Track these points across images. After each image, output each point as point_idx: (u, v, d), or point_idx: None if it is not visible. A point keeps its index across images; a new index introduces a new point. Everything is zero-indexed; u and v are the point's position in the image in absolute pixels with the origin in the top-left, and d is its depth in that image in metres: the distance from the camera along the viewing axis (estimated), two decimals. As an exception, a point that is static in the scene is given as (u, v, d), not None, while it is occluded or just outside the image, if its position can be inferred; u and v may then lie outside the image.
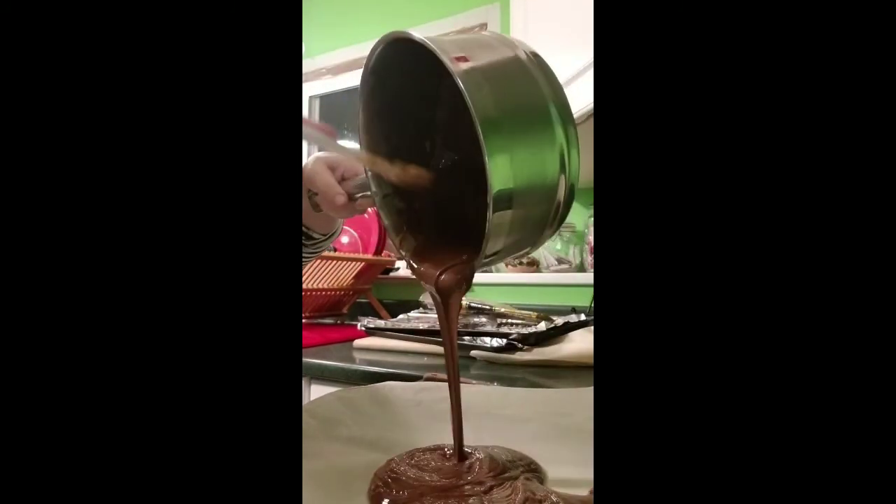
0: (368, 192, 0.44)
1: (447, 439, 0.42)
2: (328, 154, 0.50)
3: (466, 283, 0.37)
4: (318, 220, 0.53)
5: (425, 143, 0.44)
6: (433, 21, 1.65)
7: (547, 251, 1.30)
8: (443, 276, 0.37)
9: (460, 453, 0.39)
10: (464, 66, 0.29)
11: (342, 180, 0.49)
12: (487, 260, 0.34)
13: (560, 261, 1.33)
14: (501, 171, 0.29)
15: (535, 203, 0.32)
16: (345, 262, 1.24)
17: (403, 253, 0.42)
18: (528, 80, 0.32)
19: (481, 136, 0.28)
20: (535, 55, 0.33)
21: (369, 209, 0.50)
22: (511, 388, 0.55)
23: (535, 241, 0.36)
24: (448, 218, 0.43)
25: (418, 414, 0.49)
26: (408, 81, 0.39)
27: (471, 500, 0.33)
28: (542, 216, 0.33)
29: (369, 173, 0.43)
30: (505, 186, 0.29)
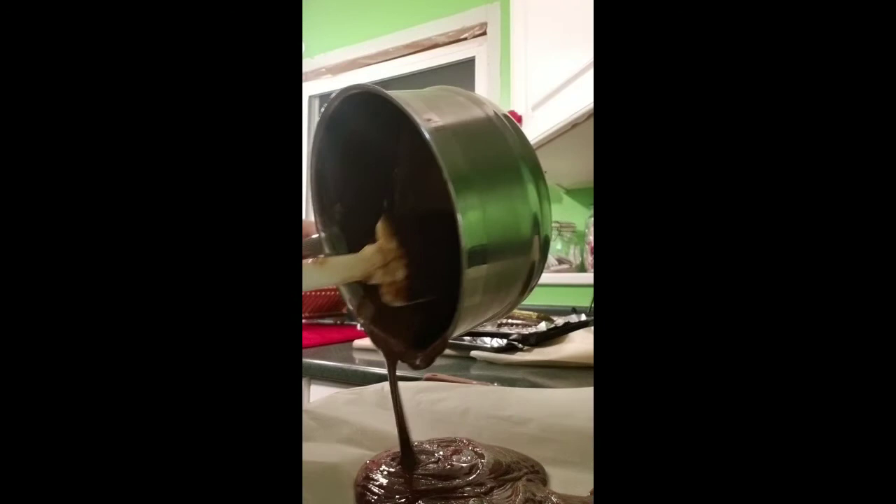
0: (321, 255, 0.41)
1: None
2: None
3: (442, 346, 0.34)
4: None
5: (383, 202, 0.42)
6: (433, 21, 1.65)
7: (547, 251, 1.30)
8: (421, 354, 0.35)
9: (408, 457, 0.38)
10: (433, 124, 0.29)
11: None
12: (463, 324, 0.32)
13: (560, 261, 1.33)
14: (475, 227, 0.28)
15: (511, 257, 0.31)
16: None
17: (361, 321, 0.40)
18: (497, 137, 0.31)
19: (453, 193, 0.27)
20: (504, 115, 0.33)
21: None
22: (511, 388, 0.55)
23: (514, 301, 0.35)
24: (415, 282, 0.40)
25: (418, 414, 0.49)
26: (366, 137, 0.38)
27: (471, 502, 0.33)
28: (518, 271, 0.32)
29: (323, 235, 0.41)
30: (479, 242, 0.28)
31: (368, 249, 0.35)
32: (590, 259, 1.32)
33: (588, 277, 1.27)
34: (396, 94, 0.30)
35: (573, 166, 1.20)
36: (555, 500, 0.33)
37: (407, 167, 0.41)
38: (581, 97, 0.84)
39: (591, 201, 1.32)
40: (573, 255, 1.34)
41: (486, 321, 0.36)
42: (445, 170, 0.27)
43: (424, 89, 0.35)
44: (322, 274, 0.33)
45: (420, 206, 0.41)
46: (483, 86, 1.60)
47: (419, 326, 0.38)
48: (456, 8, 1.61)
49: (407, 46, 1.70)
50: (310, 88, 1.96)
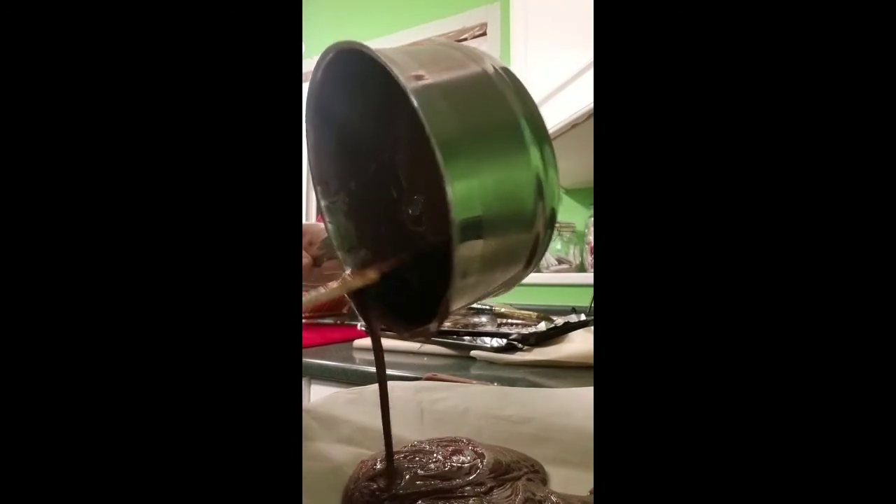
0: (336, 256, 0.40)
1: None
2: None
3: (439, 322, 0.31)
4: None
5: (381, 173, 0.39)
6: (433, 21, 1.65)
7: (547, 251, 1.30)
8: (423, 328, 0.33)
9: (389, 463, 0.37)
10: (420, 82, 0.26)
11: (309, 245, 0.46)
12: (460, 301, 0.30)
13: (560, 261, 1.33)
14: (467, 197, 0.25)
15: (511, 231, 0.28)
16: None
17: (363, 321, 0.38)
18: (495, 96, 0.28)
19: (440, 159, 0.24)
20: (505, 70, 0.30)
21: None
22: (511, 388, 0.55)
23: (518, 275, 0.32)
24: (416, 261, 0.38)
25: (418, 413, 0.49)
26: (360, 100, 0.35)
27: (471, 501, 0.33)
28: (521, 245, 0.29)
29: (330, 227, 0.39)
30: (472, 214, 0.25)
31: (351, 281, 0.35)
32: (590, 259, 1.32)
33: (588, 277, 1.27)
34: (381, 51, 0.27)
35: (573, 166, 1.20)
36: (555, 499, 0.33)
37: (405, 140, 0.37)
38: (581, 97, 0.84)
39: (591, 201, 1.32)
40: (573, 255, 1.34)
41: (487, 295, 0.33)
42: (431, 133, 0.24)
43: (417, 45, 0.31)
44: (307, 300, 0.33)
45: (418, 179, 0.37)
46: (483, 86, 1.60)
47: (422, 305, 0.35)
48: (456, 8, 1.61)
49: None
50: (310, 88, 1.96)
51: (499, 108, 0.28)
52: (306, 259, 0.45)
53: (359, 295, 0.37)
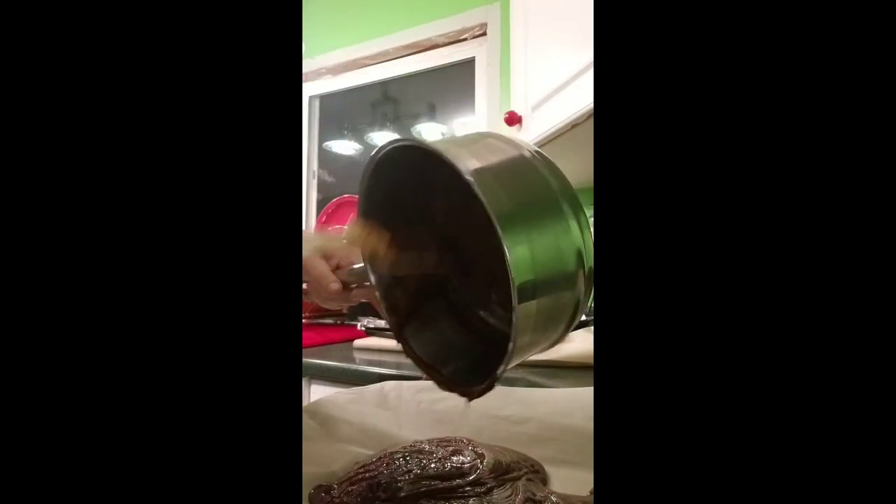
0: (366, 283, 0.43)
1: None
2: (323, 243, 0.50)
3: (490, 384, 0.36)
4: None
5: (431, 246, 0.43)
6: (433, 21, 1.65)
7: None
8: (476, 389, 0.37)
9: None
10: (473, 165, 0.30)
11: (337, 269, 0.48)
12: (514, 361, 0.33)
13: (560, 261, 1.33)
14: (522, 263, 0.29)
15: (558, 291, 0.31)
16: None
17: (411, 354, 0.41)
18: (535, 175, 0.32)
19: (499, 230, 0.28)
20: (539, 153, 0.34)
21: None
22: (511, 388, 0.55)
23: (559, 337, 0.35)
24: (462, 320, 0.42)
25: (418, 413, 0.49)
26: (410, 185, 0.39)
27: (471, 501, 0.33)
28: (567, 304, 0.33)
29: (368, 266, 0.42)
30: (527, 278, 0.29)
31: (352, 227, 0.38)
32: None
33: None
34: (434, 144, 0.31)
35: (573, 166, 1.20)
36: (555, 499, 0.33)
37: (447, 214, 0.42)
38: (581, 97, 0.84)
39: (591, 201, 1.32)
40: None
41: (532, 354, 0.37)
42: (489, 208, 0.28)
43: (458, 136, 0.36)
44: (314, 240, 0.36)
45: (466, 249, 0.42)
46: (483, 86, 1.60)
47: (472, 357, 0.40)
48: (456, 8, 1.61)
49: (407, 47, 1.70)
50: (310, 88, 1.96)
51: (540, 185, 0.32)
52: (336, 285, 0.45)
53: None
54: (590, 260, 0.32)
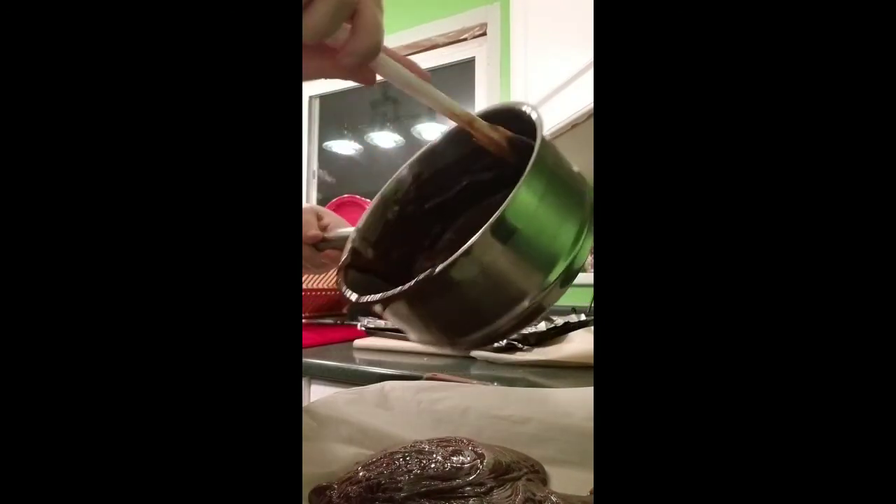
0: (338, 245, 0.44)
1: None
2: (320, 207, 0.51)
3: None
4: None
5: (434, 225, 0.44)
6: (433, 21, 1.65)
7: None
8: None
9: None
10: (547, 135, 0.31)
11: (323, 228, 0.49)
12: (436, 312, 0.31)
13: (560, 261, 1.33)
14: (521, 206, 0.28)
15: (527, 261, 0.30)
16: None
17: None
18: (578, 178, 0.34)
19: (532, 163, 0.28)
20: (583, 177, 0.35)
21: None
22: (511, 388, 0.55)
23: (508, 320, 0.32)
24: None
25: (418, 413, 0.49)
26: (457, 163, 0.40)
27: (471, 501, 0.33)
28: (530, 284, 0.31)
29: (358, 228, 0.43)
30: (513, 222, 0.28)
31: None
32: (590, 259, 1.32)
33: (588, 277, 1.27)
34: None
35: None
36: (555, 499, 0.33)
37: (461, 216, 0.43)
38: (581, 97, 0.84)
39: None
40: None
41: (447, 337, 0.33)
42: (537, 149, 0.28)
43: None
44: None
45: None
46: (483, 86, 1.60)
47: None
48: (456, 8, 1.61)
49: (407, 47, 1.69)
50: (310, 88, 1.96)
51: (577, 184, 0.33)
52: (314, 231, 0.48)
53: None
54: (578, 262, 0.32)
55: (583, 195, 0.33)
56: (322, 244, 0.48)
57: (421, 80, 0.33)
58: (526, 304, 0.31)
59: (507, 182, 0.35)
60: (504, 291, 0.30)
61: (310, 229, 0.49)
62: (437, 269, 0.28)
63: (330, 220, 0.51)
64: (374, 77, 0.32)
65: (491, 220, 0.27)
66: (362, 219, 0.42)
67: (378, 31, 0.29)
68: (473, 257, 0.28)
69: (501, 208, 0.27)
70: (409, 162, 0.42)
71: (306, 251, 0.50)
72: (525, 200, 0.28)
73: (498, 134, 0.36)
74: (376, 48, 0.29)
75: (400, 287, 0.30)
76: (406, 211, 0.42)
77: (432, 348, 0.84)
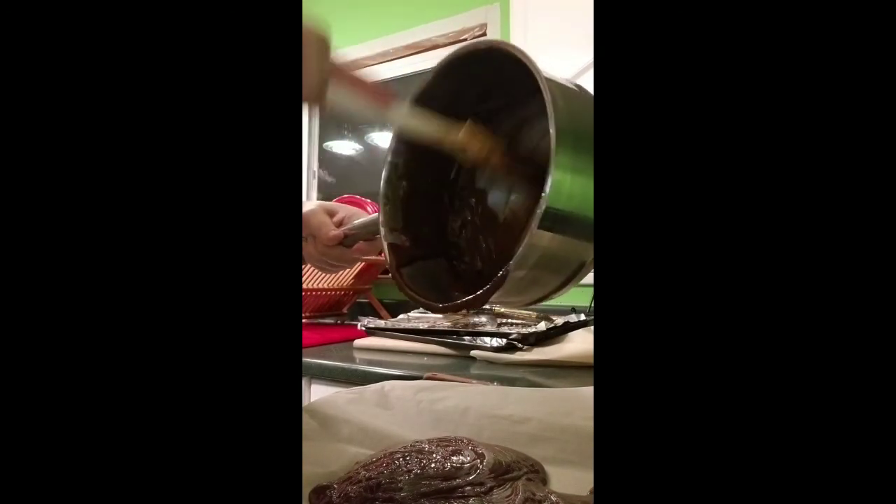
0: (364, 236, 0.43)
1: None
2: (329, 204, 0.50)
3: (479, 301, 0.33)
4: None
5: (443, 195, 0.43)
6: (433, 21, 1.65)
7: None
8: (468, 300, 0.34)
9: None
10: (547, 74, 0.28)
11: (340, 223, 0.48)
12: (506, 294, 0.31)
13: (560, 261, 1.32)
14: (560, 187, 0.27)
15: (574, 238, 0.29)
16: (345, 262, 1.23)
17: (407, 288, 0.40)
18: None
19: (554, 142, 0.26)
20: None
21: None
22: (511, 388, 0.55)
23: (551, 292, 0.34)
24: (457, 272, 0.41)
25: (418, 413, 0.49)
26: (467, 100, 0.38)
27: (471, 501, 0.33)
28: (574, 257, 0.31)
29: (382, 209, 0.42)
30: (558, 205, 0.27)
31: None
32: (590, 259, 1.31)
33: (588, 277, 1.27)
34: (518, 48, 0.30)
35: (573, 166, 1.19)
36: (554, 499, 0.33)
37: (510, 120, 0.40)
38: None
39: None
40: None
41: (513, 302, 0.35)
42: (553, 117, 0.26)
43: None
44: (420, 123, 0.35)
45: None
46: (483, 86, 1.60)
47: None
48: (456, 9, 1.61)
49: (407, 47, 1.69)
50: (310, 88, 1.96)
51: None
52: (335, 231, 0.46)
53: (398, 257, 0.39)
54: None
55: None
56: (348, 239, 0.47)
57: (377, 108, 0.34)
58: (581, 259, 0.31)
59: (495, 97, 0.36)
60: (565, 263, 0.31)
61: (328, 230, 0.46)
62: (502, 273, 0.29)
63: (344, 213, 0.49)
64: (327, 107, 0.34)
65: (536, 214, 0.27)
66: (381, 213, 0.41)
67: (319, 85, 0.32)
68: (528, 253, 0.28)
69: (542, 201, 0.26)
70: (392, 137, 0.41)
71: (335, 252, 0.47)
72: (560, 181, 0.27)
73: (475, 138, 0.35)
74: (316, 99, 0.32)
75: (472, 295, 0.31)
76: (414, 181, 0.41)
77: (432, 348, 0.84)
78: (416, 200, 0.41)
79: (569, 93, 0.30)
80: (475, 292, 0.32)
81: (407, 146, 0.41)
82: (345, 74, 0.34)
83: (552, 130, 0.27)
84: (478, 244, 0.41)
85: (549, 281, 0.33)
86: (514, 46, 0.31)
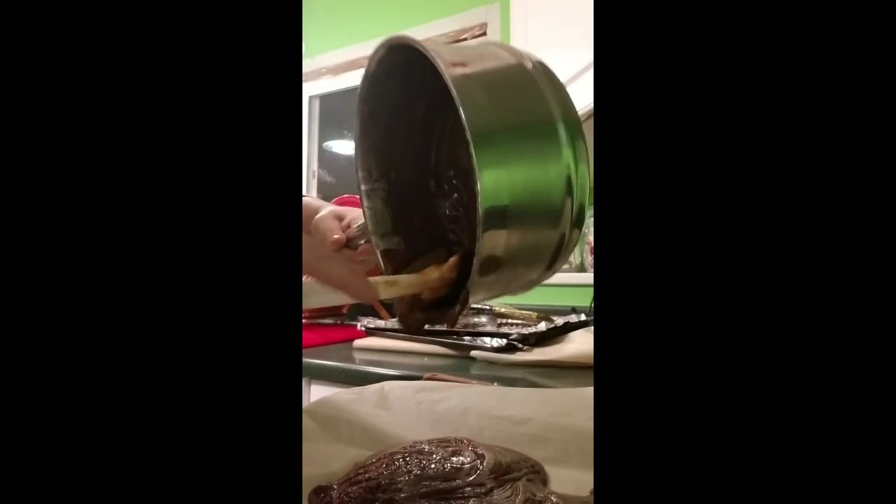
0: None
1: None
2: (341, 209, 0.49)
3: (459, 310, 0.33)
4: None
5: (422, 167, 0.41)
6: (433, 21, 1.65)
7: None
8: (420, 313, 0.35)
9: None
10: (459, 70, 0.27)
11: (346, 227, 0.47)
12: (479, 294, 0.31)
13: (560, 261, 1.33)
14: (495, 186, 0.26)
15: (537, 225, 0.28)
16: (345, 262, 1.23)
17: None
18: (531, 90, 0.29)
19: (472, 145, 0.25)
20: (542, 64, 0.30)
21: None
22: (511, 388, 0.55)
23: (540, 275, 0.32)
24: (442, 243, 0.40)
25: (418, 413, 0.49)
26: (409, 95, 0.37)
27: (471, 502, 0.33)
28: (546, 242, 0.30)
29: (367, 213, 0.41)
30: (498, 202, 0.26)
31: (432, 273, 0.35)
32: (590, 259, 1.32)
33: (588, 277, 1.27)
34: (428, 45, 0.28)
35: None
36: (555, 500, 0.33)
37: (447, 134, 0.40)
38: (581, 97, 0.84)
39: (592, 201, 1.32)
40: (573, 255, 1.34)
41: (509, 292, 0.34)
42: (466, 122, 0.25)
43: (465, 43, 0.34)
44: (391, 290, 0.36)
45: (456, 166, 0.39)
46: (483, 86, 1.60)
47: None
48: (456, 8, 1.61)
49: (407, 46, 1.70)
50: (310, 88, 1.96)
51: (534, 102, 0.29)
52: (338, 235, 0.45)
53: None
54: (582, 195, 0.29)
55: (547, 116, 0.28)
56: (352, 241, 0.46)
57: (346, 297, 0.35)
58: (557, 238, 0.30)
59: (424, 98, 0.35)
60: (534, 248, 0.30)
61: (332, 233, 0.45)
62: (468, 286, 0.29)
63: (351, 216, 0.49)
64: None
65: (479, 218, 0.26)
66: (367, 222, 0.40)
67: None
68: (487, 256, 0.27)
69: (479, 206, 0.25)
70: (356, 139, 0.39)
71: (347, 255, 0.45)
72: (493, 176, 0.26)
73: (437, 273, 0.35)
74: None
75: (442, 315, 0.31)
76: (392, 179, 0.40)
77: (432, 348, 0.84)
78: (399, 197, 0.40)
79: (493, 78, 0.28)
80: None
81: (376, 147, 0.39)
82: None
83: (467, 135, 0.25)
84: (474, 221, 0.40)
85: (531, 268, 0.32)
86: (412, 39, 0.29)
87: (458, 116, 0.26)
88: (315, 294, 0.35)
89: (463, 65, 0.27)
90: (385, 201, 0.40)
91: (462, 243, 0.40)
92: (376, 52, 0.33)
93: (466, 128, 0.25)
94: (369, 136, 0.38)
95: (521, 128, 0.28)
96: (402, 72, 0.34)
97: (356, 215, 0.47)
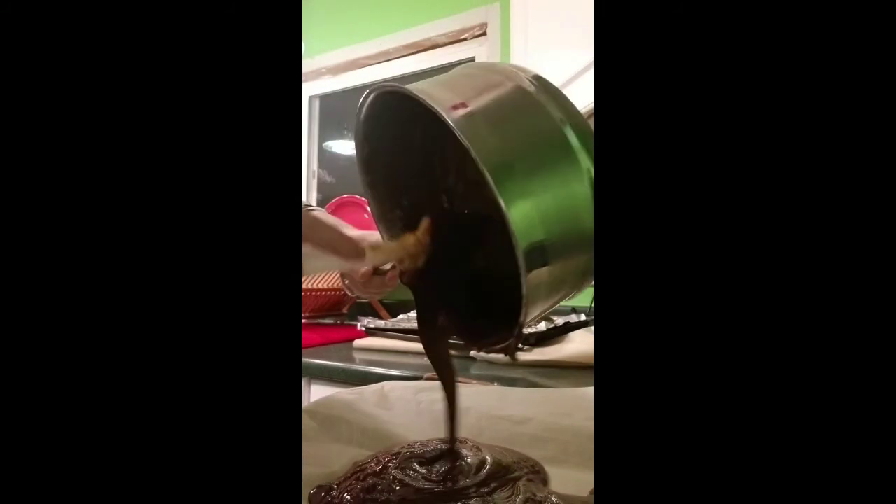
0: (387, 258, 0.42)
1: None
2: (360, 234, 0.48)
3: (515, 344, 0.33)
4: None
5: (441, 198, 0.41)
6: (433, 21, 1.65)
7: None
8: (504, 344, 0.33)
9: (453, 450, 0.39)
10: (461, 112, 0.26)
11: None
12: (532, 319, 0.30)
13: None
14: (525, 221, 0.24)
15: (574, 248, 0.27)
16: (345, 262, 1.23)
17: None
18: (535, 109, 0.28)
19: (493, 187, 0.24)
20: (538, 79, 0.29)
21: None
22: (511, 388, 0.55)
23: (580, 288, 0.32)
24: (480, 284, 0.39)
25: (418, 413, 0.49)
26: (402, 122, 0.36)
27: (472, 502, 0.33)
28: (586, 263, 0.28)
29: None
30: (534, 239, 0.25)
31: (409, 238, 0.36)
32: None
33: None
34: (417, 88, 0.27)
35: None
36: (555, 500, 0.33)
37: (452, 162, 0.40)
38: (581, 97, 0.84)
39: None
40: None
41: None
42: (480, 161, 0.24)
43: (447, 74, 0.32)
44: (376, 255, 0.38)
45: (474, 202, 0.40)
46: (483, 86, 1.60)
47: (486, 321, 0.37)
48: (456, 8, 1.61)
49: (407, 47, 1.69)
50: (310, 88, 1.96)
51: (541, 119, 0.27)
52: (364, 270, 0.45)
53: (424, 299, 0.39)
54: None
55: (557, 131, 0.27)
56: (379, 271, 0.45)
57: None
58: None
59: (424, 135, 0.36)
60: (575, 270, 0.29)
61: (360, 268, 0.44)
62: (517, 332, 0.29)
63: (367, 242, 0.48)
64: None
65: (519, 261, 0.24)
66: (371, 206, 0.41)
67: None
68: (533, 296, 0.26)
69: (515, 243, 0.24)
70: (361, 174, 0.39)
71: (376, 281, 0.45)
72: (521, 212, 0.24)
73: (412, 238, 0.35)
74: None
75: (503, 344, 0.32)
76: (405, 203, 0.40)
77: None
78: (417, 220, 0.39)
79: (495, 110, 0.27)
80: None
81: (383, 180, 0.39)
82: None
83: (487, 178, 0.24)
84: (477, 189, 0.39)
85: (569, 289, 0.31)
86: (402, 87, 0.28)
87: (467, 152, 0.25)
88: (309, 259, 0.36)
89: (464, 105, 0.26)
90: (405, 228, 0.40)
91: (464, 209, 0.41)
92: (365, 97, 0.33)
93: (484, 171, 0.24)
94: (375, 171, 0.39)
95: (534, 149, 0.27)
96: (395, 106, 0.33)
97: (374, 240, 0.47)
